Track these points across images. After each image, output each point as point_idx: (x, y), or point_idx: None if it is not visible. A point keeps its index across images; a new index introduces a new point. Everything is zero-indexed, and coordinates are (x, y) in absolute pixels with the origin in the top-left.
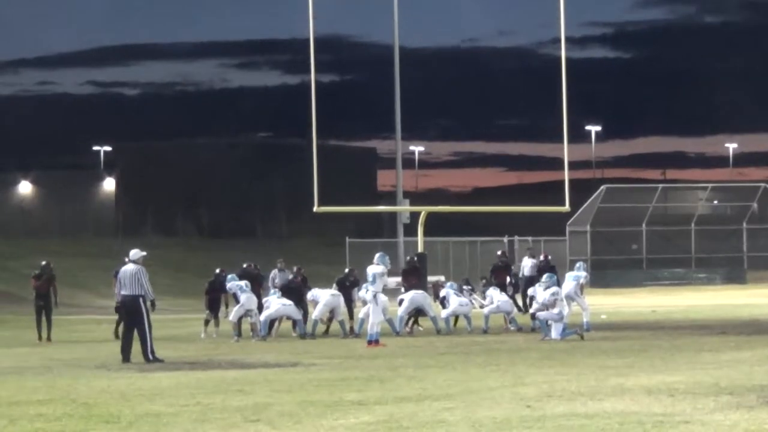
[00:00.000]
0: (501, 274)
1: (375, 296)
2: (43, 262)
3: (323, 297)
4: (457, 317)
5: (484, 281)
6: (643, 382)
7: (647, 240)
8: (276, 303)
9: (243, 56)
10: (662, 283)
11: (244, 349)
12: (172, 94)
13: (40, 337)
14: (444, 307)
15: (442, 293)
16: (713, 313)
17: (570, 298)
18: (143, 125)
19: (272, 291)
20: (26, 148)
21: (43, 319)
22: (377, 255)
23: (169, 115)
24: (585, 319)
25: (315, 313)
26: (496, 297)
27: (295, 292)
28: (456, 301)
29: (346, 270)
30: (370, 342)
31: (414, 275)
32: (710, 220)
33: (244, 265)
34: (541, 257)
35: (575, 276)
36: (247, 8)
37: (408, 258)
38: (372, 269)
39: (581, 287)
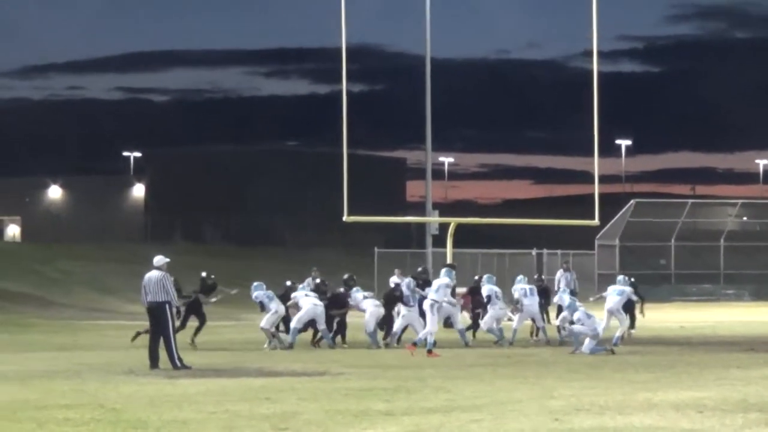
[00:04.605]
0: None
1: (433, 305)
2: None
3: (305, 305)
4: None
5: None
6: (671, 398)
7: (676, 255)
8: (307, 302)
9: (272, 64)
10: (690, 298)
11: (271, 357)
12: (201, 101)
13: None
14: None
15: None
16: (742, 330)
17: (611, 313)
18: (172, 132)
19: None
20: (56, 152)
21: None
22: (445, 269)
23: (198, 122)
24: (617, 334)
25: (294, 323)
26: (526, 302)
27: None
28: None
29: (392, 284)
30: (430, 351)
31: (479, 294)
32: (739, 237)
33: (317, 280)
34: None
35: (619, 290)
36: (277, 16)
37: (476, 278)
38: (438, 281)
39: (636, 303)
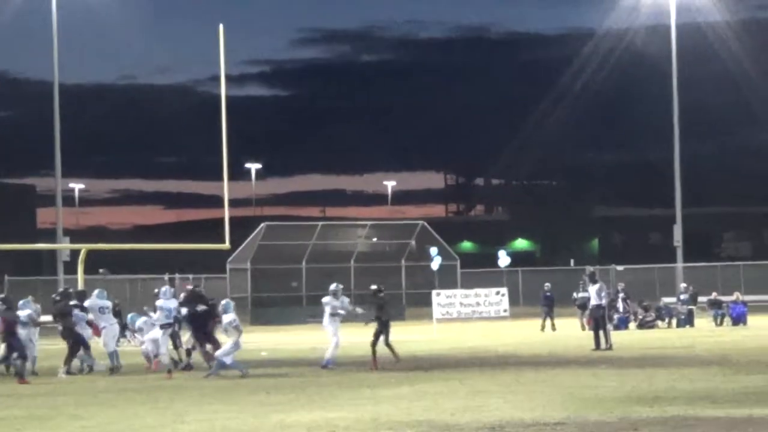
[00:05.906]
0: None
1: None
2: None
3: None
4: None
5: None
6: (304, 419)
7: (307, 277)
8: None
9: None
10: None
11: None
12: None
13: None
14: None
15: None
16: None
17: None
18: None
19: None
20: None
21: None
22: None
23: None
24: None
25: None
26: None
27: None
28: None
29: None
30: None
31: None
32: (370, 257)
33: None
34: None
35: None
36: None
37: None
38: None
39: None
